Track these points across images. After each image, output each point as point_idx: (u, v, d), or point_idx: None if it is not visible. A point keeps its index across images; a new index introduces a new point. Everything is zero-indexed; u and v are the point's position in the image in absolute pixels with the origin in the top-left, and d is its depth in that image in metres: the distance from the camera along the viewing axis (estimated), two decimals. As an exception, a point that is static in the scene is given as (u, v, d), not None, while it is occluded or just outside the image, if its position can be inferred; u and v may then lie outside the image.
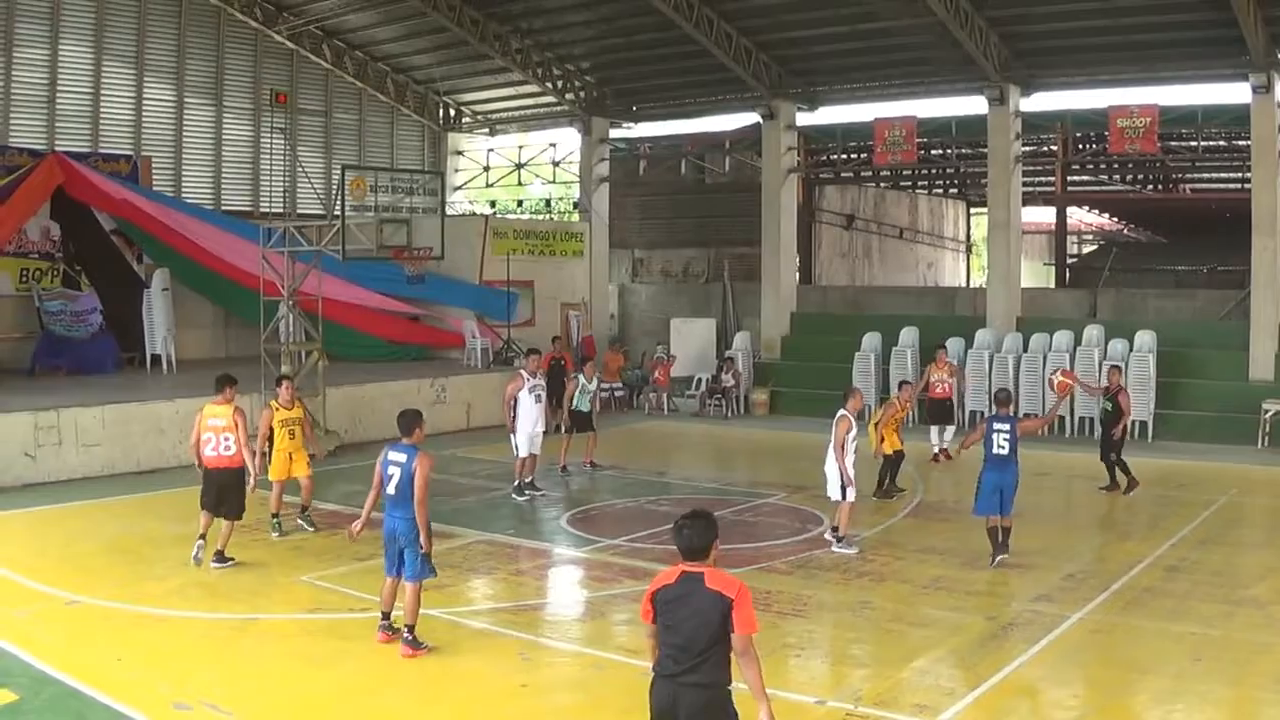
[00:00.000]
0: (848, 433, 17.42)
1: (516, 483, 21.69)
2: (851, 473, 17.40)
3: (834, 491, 17.56)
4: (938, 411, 26.82)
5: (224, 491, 16.44)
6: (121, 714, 10.72)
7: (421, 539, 12.45)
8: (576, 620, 14.80)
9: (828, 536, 17.73)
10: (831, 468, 17.56)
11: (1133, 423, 28.34)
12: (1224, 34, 27.75)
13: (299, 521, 18.67)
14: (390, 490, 12.63)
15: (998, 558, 16.64)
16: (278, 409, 18.39)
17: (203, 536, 16.36)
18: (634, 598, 8.74)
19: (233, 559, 16.43)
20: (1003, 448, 16.72)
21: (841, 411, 17.63)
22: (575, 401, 24.44)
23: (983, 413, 28.25)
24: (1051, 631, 13.35)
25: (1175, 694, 11.46)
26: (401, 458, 12.65)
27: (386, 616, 13.00)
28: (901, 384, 25.85)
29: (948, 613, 14.29)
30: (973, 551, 17.26)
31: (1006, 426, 16.88)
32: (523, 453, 21.59)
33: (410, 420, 12.99)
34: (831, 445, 17.54)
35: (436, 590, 14.78)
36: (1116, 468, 22.17)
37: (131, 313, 31.02)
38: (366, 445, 26.41)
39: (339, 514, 19.56)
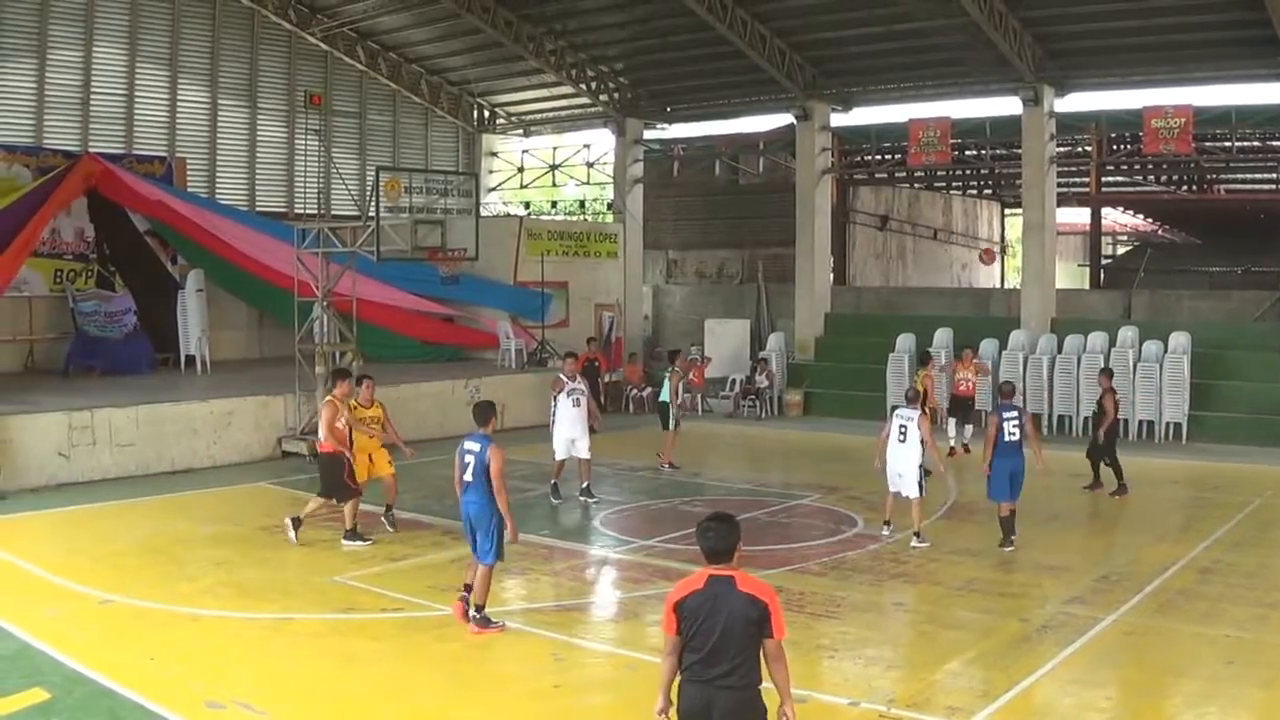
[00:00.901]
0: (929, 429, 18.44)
1: (552, 483, 21.64)
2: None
3: (914, 489, 17.99)
4: (959, 407, 27.06)
5: (320, 474, 17.93)
6: (154, 713, 10.75)
7: (508, 526, 13.36)
8: (610, 621, 14.87)
9: (913, 543, 17.86)
10: (913, 466, 18.00)
11: (1167, 425, 28.40)
12: (1257, 34, 27.60)
13: (381, 519, 18.66)
14: (467, 477, 13.37)
15: (1010, 548, 17.39)
16: (356, 407, 18.47)
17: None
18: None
19: (365, 537, 17.72)
20: (1014, 434, 17.59)
21: (917, 412, 18.32)
22: (664, 394, 25.39)
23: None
24: (1085, 634, 13.29)
25: (1208, 697, 11.40)
26: (475, 447, 13.34)
27: (469, 589, 13.57)
28: (925, 357, 27.18)
29: (981, 615, 14.27)
30: (1006, 553, 17.25)
31: (1015, 415, 17.80)
32: (560, 455, 21.51)
33: (485, 411, 13.84)
34: (914, 445, 18.06)
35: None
36: (1108, 467, 22.20)
37: (165, 314, 31.21)
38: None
39: (372, 514, 19.58)
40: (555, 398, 21.53)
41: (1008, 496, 17.46)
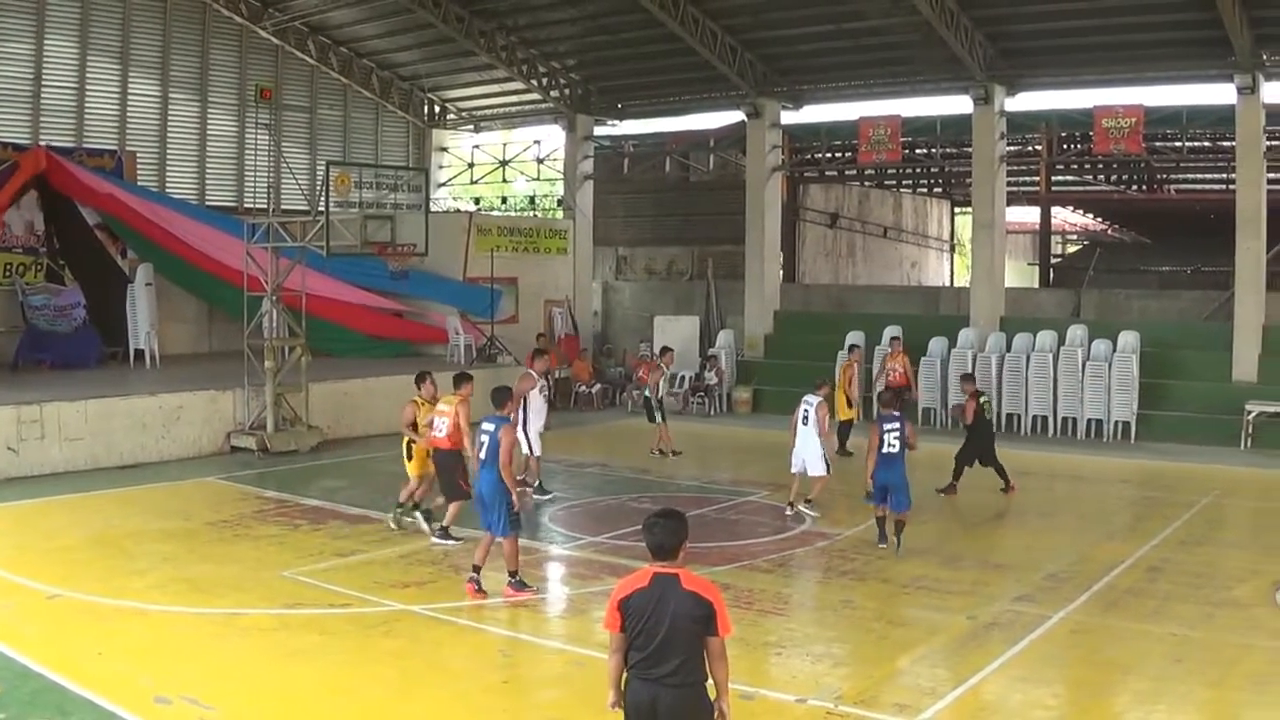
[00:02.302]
0: (829, 416, 20.44)
1: (537, 481, 21.39)
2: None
3: (819, 468, 19.51)
4: (894, 397, 27.01)
5: (439, 472, 17.74)
6: (102, 708, 10.69)
7: (513, 498, 14.39)
8: (558, 617, 14.87)
9: (801, 507, 19.51)
10: (816, 448, 19.48)
11: (1115, 424, 28.59)
12: (1209, 35, 27.77)
13: (416, 515, 18.37)
14: (482, 455, 14.51)
15: (884, 545, 17.45)
16: (422, 404, 18.30)
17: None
18: (616, 595, 8.69)
19: (452, 537, 17.41)
20: (893, 446, 17.40)
21: (819, 399, 19.86)
22: (660, 390, 26.69)
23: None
24: (1032, 631, 13.37)
25: (1156, 695, 11.48)
26: (491, 427, 14.50)
27: (477, 570, 14.49)
28: (851, 347, 28.09)
29: (929, 612, 14.33)
30: (953, 551, 17.40)
31: (896, 425, 17.58)
32: (538, 450, 21.43)
33: (502, 395, 15.20)
34: (814, 429, 19.55)
35: (418, 587, 14.99)
36: (984, 467, 22.01)
37: (115, 307, 30.95)
38: (350, 441, 26.51)
39: (321, 509, 19.61)
40: (525, 394, 21.25)
41: (883, 504, 17.53)
